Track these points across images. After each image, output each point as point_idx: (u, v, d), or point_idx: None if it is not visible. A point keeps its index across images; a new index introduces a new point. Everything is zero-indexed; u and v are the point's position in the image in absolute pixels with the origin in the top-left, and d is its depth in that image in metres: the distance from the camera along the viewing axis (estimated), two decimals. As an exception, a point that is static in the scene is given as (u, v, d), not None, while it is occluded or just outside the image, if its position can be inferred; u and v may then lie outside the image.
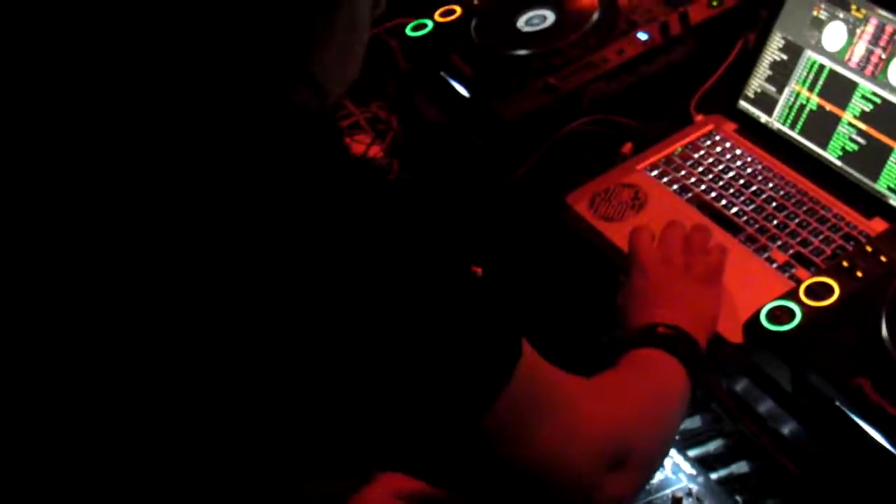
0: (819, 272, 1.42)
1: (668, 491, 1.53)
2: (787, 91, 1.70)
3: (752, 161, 1.69)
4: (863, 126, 1.60)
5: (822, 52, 1.66)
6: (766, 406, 1.43)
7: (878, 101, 1.59)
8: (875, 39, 1.60)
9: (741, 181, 1.65)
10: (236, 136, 0.95)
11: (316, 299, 0.94)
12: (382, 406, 0.97)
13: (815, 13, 1.67)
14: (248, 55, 0.99)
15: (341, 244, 0.95)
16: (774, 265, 1.52)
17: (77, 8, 0.98)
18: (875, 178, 1.58)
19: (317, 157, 0.98)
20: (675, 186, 1.67)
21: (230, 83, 0.98)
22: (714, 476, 1.53)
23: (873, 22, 1.60)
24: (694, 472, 1.54)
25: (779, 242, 1.55)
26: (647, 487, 1.53)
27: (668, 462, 1.55)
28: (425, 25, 1.97)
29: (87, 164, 0.93)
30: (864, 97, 1.60)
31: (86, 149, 0.94)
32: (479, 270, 1.59)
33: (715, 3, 1.88)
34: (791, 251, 1.53)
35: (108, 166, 0.93)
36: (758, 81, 1.74)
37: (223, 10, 0.98)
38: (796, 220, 1.57)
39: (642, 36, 1.84)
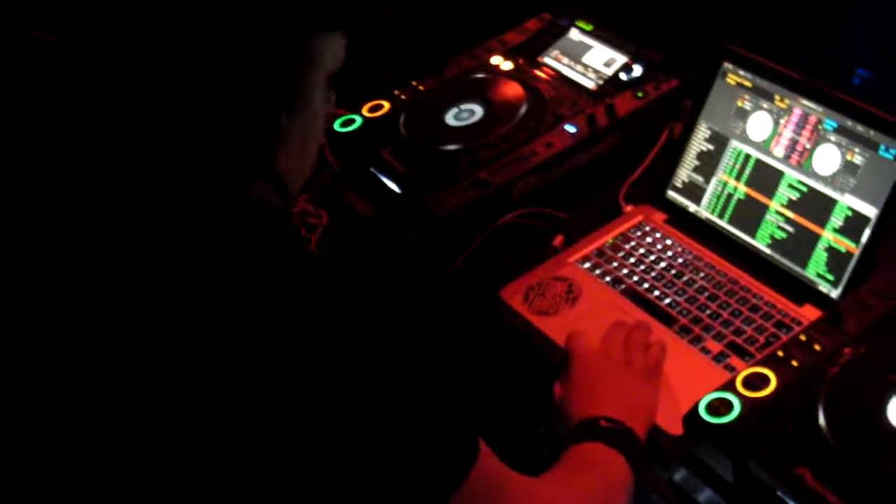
0: (755, 362, 1.43)
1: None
2: (714, 181, 1.72)
3: (682, 251, 1.70)
4: (790, 214, 1.62)
5: (748, 141, 1.69)
6: (706, 496, 1.42)
7: (804, 189, 1.61)
8: (799, 129, 1.63)
9: (673, 271, 1.67)
10: (199, 232, 0.99)
11: (269, 398, 0.96)
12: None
13: (739, 103, 1.70)
14: (214, 151, 1.02)
15: (296, 343, 0.97)
16: (709, 355, 1.53)
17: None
18: (804, 265, 1.60)
19: (275, 254, 1.01)
20: (607, 278, 1.68)
21: (197, 178, 1.02)
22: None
23: (797, 112, 1.63)
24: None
25: (713, 332, 1.56)
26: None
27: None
28: (354, 121, 1.97)
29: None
30: (790, 186, 1.63)
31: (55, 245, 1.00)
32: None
33: (640, 95, 1.90)
34: (725, 341, 1.54)
35: (69, 253, 0.99)
36: (685, 171, 1.76)
37: (189, 107, 1.01)
38: (729, 310, 1.59)
39: (570, 129, 1.86)
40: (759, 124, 1.68)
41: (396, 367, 1.04)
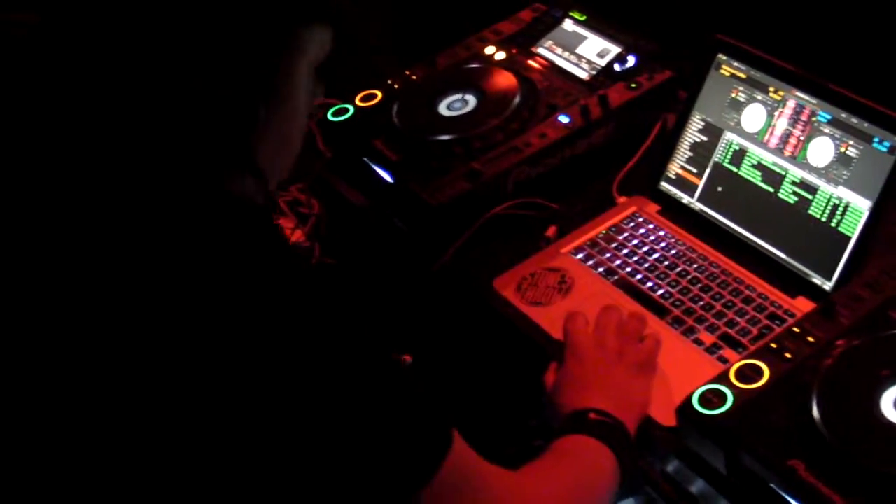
0: (748, 354, 1.43)
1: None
2: (707, 172, 1.72)
3: (675, 242, 1.70)
4: (784, 206, 1.62)
5: (742, 133, 1.69)
6: (699, 487, 1.42)
7: (797, 181, 1.61)
8: (793, 121, 1.62)
9: (666, 263, 1.66)
10: (177, 228, 0.97)
11: (244, 389, 0.95)
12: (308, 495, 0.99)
13: (733, 95, 1.70)
14: (193, 147, 1.01)
15: (273, 335, 0.96)
16: (702, 347, 1.53)
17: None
18: (797, 257, 1.60)
19: (253, 248, 0.99)
20: (600, 269, 1.68)
21: (175, 175, 1.00)
22: (650, 559, 1.52)
23: (791, 104, 1.63)
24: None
25: (706, 324, 1.56)
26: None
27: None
28: (347, 110, 1.96)
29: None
30: (784, 178, 1.63)
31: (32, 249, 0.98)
32: (408, 358, 1.57)
33: (634, 86, 1.90)
34: (718, 332, 1.54)
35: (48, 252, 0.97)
36: (679, 163, 1.76)
37: (166, 102, 1.00)
38: (722, 301, 1.58)
39: (563, 119, 1.86)
40: (753, 116, 1.68)
41: (371, 360, 1.03)
